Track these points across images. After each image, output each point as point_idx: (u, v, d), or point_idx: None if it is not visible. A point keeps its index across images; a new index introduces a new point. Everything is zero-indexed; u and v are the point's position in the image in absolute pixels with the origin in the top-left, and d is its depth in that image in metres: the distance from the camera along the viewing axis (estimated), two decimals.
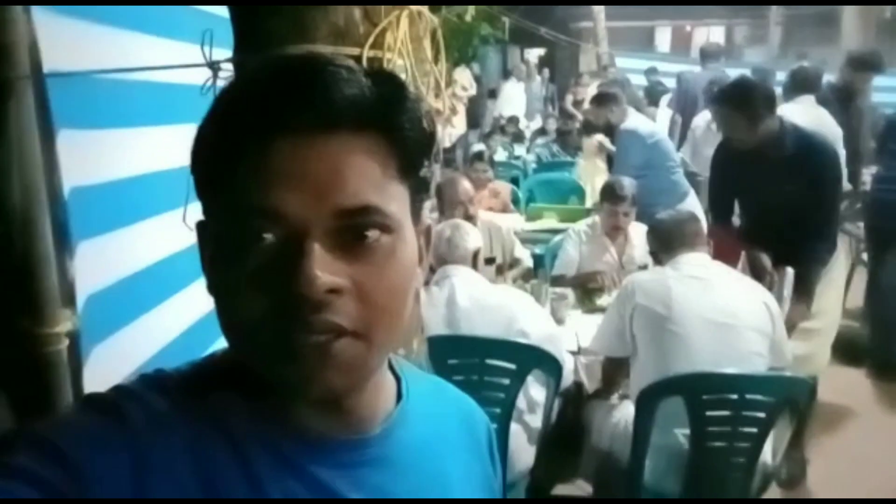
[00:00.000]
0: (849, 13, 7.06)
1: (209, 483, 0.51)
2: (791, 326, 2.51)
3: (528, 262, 3.47)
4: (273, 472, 0.54)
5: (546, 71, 11.80)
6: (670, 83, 7.61)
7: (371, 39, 1.04)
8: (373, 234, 0.52)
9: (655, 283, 2.15)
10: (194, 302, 1.72)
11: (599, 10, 11.71)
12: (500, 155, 7.13)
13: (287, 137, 0.50)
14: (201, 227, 0.56)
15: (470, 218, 2.99)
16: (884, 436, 3.30)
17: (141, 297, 1.60)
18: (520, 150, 7.82)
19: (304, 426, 0.56)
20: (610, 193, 3.17)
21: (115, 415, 0.51)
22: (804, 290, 2.66)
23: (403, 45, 1.09)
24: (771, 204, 2.66)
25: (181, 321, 1.73)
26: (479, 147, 5.83)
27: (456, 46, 7.19)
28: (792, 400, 2.04)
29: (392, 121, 0.53)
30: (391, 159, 0.53)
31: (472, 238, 2.41)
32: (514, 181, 5.78)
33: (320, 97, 0.50)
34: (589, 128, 5.41)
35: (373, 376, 0.57)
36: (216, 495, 0.51)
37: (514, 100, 10.33)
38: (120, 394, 0.54)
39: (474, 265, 2.38)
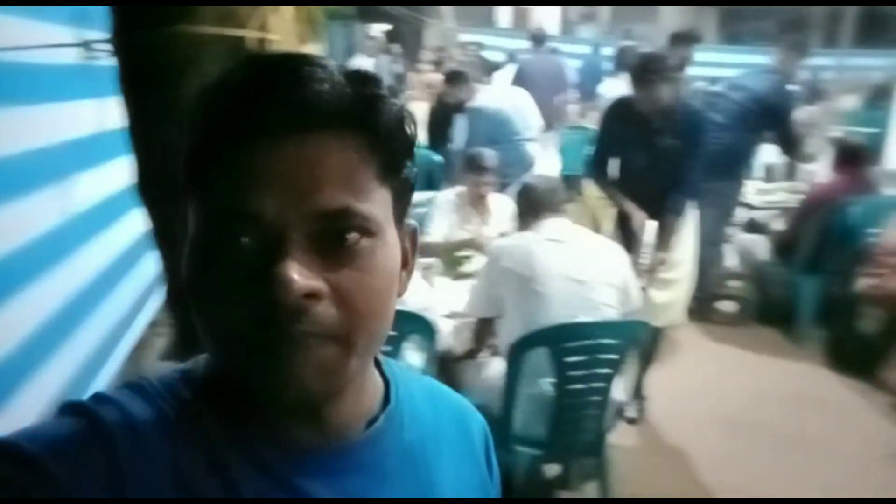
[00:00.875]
0: None
1: (186, 490, 0.51)
2: (651, 275, 2.88)
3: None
4: (253, 482, 0.53)
5: (398, 47, 11.85)
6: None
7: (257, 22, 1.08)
8: (352, 237, 0.50)
9: (519, 248, 2.33)
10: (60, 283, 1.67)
11: None
12: None
13: (264, 139, 0.49)
14: (181, 229, 0.55)
15: None
16: (709, 367, 3.79)
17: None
18: None
19: (285, 434, 0.55)
20: (474, 164, 3.34)
21: (91, 422, 0.51)
22: (664, 241, 3.05)
23: (287, 26, 1.14)
24: (649, 161, 3.05)
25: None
26: None
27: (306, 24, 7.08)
28: (636, 340, 2.34)
29: (370, 121, 0.52)
30: (371, 161, 0.52)
31: None
32: None
33: (297, 98, 0.49)
34: (444, 106, 5.56)
35: (354, 382, 0.55)
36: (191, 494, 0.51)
37: None
38: (97, 401, 0.53)
39: None
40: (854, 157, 3.97)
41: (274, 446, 0.55)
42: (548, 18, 14.91)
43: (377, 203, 0.52)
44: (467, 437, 0.70)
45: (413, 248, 0.60)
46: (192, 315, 0.52)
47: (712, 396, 3.48)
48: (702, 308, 4.28)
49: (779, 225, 4.42)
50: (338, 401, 0.55)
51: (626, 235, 3.06)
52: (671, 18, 7.45)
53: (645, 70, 2.98)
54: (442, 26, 11.95)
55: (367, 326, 0.52)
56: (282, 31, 1.17)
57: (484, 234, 3.43)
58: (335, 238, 0.50)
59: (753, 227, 4.62)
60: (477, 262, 3.00)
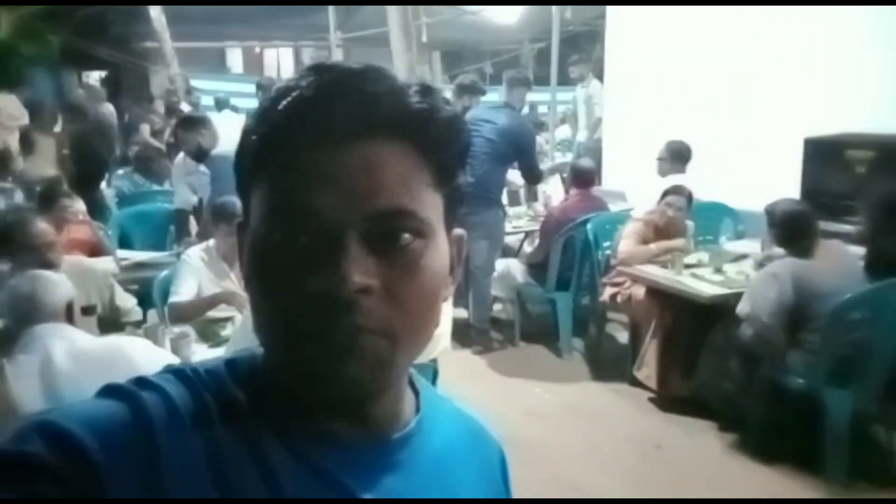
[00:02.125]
0: (395, 35, 8.04)
1: (224, 479, 0.51)
2: None
3: (136, 313, 3.14)
4: (292, 472, 0.54)
5: (122, 99, 10.75)
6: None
7: None
8: (406, 238, 0.53)
9: None
10: None
11: (164, 30, 11.18)
12: None
13: (328, 142, 0.52)
14: (241, 228, 0.58)
15: (51, 265, 2.54)
16: (484, 393, 3.83)
17: None
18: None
19: (326, 427, 0.56)
20: (227, 213, 3.00)
21: (132, 405, 0.52)
22: None
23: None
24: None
25: None
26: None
27: None
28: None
29: (429, 131, 0.54)
30: (425, 167, 0.54)
31: (61, 289, 2.04)
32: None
33: (360, 105, 0.52)
34: (174, 151, 5.10)
35: (397, 380, 0.59)
36: (231, 492, 0.51)
37: None
38: (140, 385, 0.54)
39: (69, 319, 2.02)
40: (585, 179, 4.36)
41: (314, 439, 0.56)
42: (284, 64, 14.80)
43: (430, 207, 0.54)
44: (486, 457, 0.72)
45: (459, 255, 0.62)
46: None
47: (487, 421, 3.51)
48: (479, 338, 4.37)
49: (529, 247, 4.69)
50: (380, 398, 0.57)
51: None
52: (399, 63, 7.77)
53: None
54: (169, 72, 11.17)
55: (415, 325, 0.54)
56: None
57: (242, 289, 3.11)
58: (390, 238, 0.52)
59: (505, 251, 4.85)
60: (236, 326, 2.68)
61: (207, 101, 8.62)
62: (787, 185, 3.99)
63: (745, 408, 3.17)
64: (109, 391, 0.54)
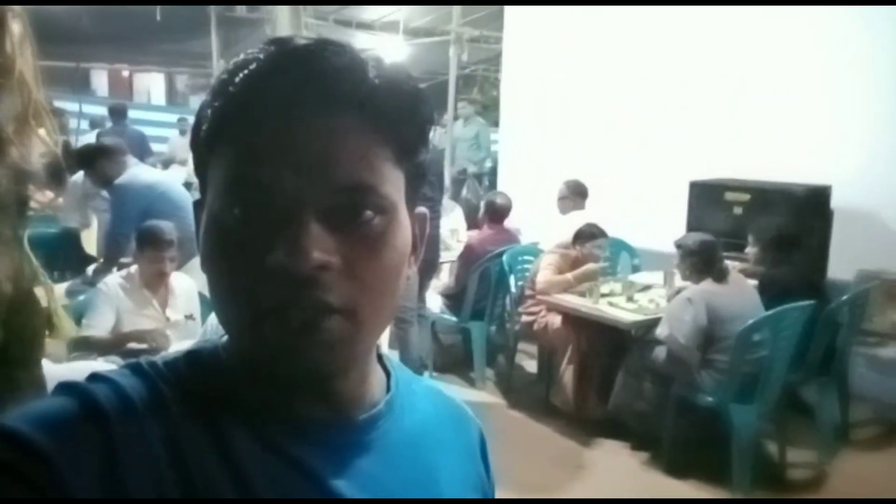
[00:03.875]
0: None
1: (185, 466, 0.50)
2: None
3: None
4: (254, 456, 0.53)
5: None
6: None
7: None
8: (367, 214, 0.52)
9: None
10: None
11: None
12: None
13: (284, 115, 0.50)
14: (197, 206, 0.57)
15: None
16: None
17: None
18: None
19: (290, 408, 0.56)
20: (150, 239, 2.84)
21: (83, 399, 0.50)
22: None
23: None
24: None
25: None
26: None
27: None
28: None
29: (388, 106, 0.53)
30: (386, 143, 0.53)
31: None
32: None
33: (319, 79, 0.51)
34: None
35: (361, 359, 0.58)
36: (192, 478, 0.50)
37: None
38: (92, 380, 0.53)
39: None
40: (500, 214, 4.54)
41: (278, 420, 0.55)
42: (154, 87, 14.12)
43: (391, 183, 0.54)
44: (465, 436, 0.72)
45: (422, 233, 0.61)
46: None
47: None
48: None
49: (445, 279, 4.78)
50: (344, 377, 0.57)
51: None
52: None
53: None
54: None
55: (376, 302, 0.53)
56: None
57: (170, 319, 2.95)
58: (350, 213, 0.51)
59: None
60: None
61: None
62: (675, 223, 4.40)
63: (659, 426, 3.41)
64: (61, 388, 0.52)
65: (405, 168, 0.55)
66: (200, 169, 0.55)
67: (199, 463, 0.50)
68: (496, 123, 7.49)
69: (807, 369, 3.37)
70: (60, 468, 0.46)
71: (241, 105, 0.51)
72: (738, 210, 4.46)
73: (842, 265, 4.16)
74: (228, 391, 0.54)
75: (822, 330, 3.34)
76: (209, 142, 0.53)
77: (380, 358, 0.64)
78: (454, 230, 5.33)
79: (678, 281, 3.60)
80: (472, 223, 5.16)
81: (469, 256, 4.44)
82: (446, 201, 5.27)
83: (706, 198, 4.57)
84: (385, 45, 9.64)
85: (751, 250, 3.68)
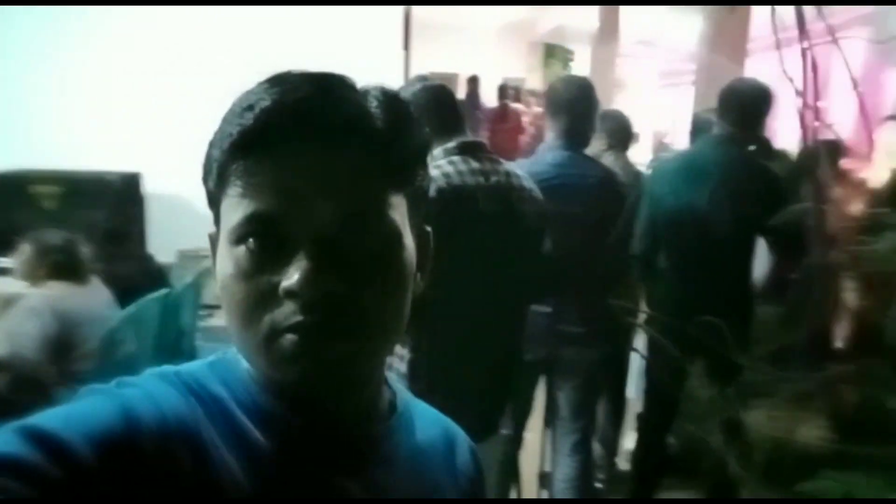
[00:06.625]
0: None
1: (213, 474, 0.51)
2: None
3: None
4: (273, 465, 0.55)
5: None
6: None
7: None
8: (371, 238, 0.54)
9: None
10: None
11: None
12: None
13: (289, 150, 0.52)
14: (213, 238, 0.59)
15: None
16: None
17: None
18: None
19: (308, 423, 0.57)
20: None
21: (116, 403, 0.51)
22: None
23: None
24: None
25: None
26: None
27: None
28: None
29: (389, 135, 0.55)
30: (388, 170, 0.55)
31: None
32: None
33: (322, 112, 0.53)
34: None
35: (374, 377, 0.61)
36: (214, 485, 0.51)
37: None
38: (122, 385, 0.55)
39: None
40: None
41: (298, 434, 0.57)
42: None
43: (395, 208, 0.56)
44: (462, 458, 0.74)
45: (426, 251, 0.63)
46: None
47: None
48: None
49: None
50: (357, 395, 0.59)
51: None
52: None
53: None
54: None
55: (383, 325, 0.55)
56: None
57: None
58: (355, 240, 0.53)
59: None
60: None
61: None
62: None
63: None
64: (91, 393, 0.53)
65: (406, 192, 0.58)
66: (213, 204, 0.57)
67: (225, 465, 0.52)
68: None
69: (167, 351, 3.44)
70: (94, 473, 0.46)
71: (247, 143, 0.53)
72: (49, 204, 4.09)
73: (164, 248, 4.34)
74: (248, 402, 0.57)
75: (170, 313, 3.45)
76: (219, 178, 0.55)
77: (384, 378, 0.66)
78: None
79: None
80: None
81: None
82: None
83: (8, 192, 4.02)
84: None
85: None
